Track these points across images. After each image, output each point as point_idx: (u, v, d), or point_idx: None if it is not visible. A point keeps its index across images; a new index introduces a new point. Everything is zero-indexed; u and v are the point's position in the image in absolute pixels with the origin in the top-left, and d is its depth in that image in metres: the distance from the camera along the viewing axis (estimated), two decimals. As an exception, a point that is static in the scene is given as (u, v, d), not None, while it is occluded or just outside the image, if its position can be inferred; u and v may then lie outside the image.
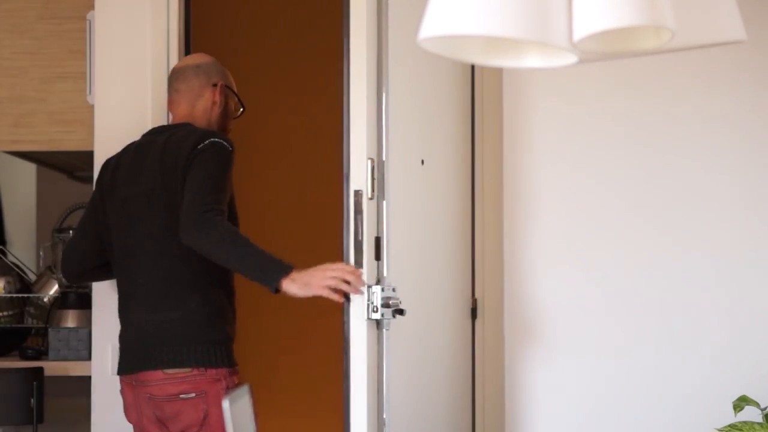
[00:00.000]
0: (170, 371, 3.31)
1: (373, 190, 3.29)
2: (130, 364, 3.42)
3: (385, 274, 3.31)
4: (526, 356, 3.93)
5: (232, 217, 3.43)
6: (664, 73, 3.96)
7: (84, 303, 4.29)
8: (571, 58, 1.81)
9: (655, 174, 3.95)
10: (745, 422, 3.52)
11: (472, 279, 4.03)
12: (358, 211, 3.25)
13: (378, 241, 3.30)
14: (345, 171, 3.30)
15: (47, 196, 5.78)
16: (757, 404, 3.57)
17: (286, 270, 3.12)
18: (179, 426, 3.34)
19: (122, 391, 3.48)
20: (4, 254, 4.58)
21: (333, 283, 3.12)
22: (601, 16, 1.70)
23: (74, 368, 4.13)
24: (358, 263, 3.25)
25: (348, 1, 3.35)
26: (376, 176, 3.30)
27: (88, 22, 4.15)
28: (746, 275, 3.93)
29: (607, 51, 1.86)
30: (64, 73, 4.27)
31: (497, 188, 3.98)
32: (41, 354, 4.27)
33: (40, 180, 5.82)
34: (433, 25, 1.71)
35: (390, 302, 3.27)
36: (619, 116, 3.97)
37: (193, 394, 3.29)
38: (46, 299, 4.51)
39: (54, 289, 4.50)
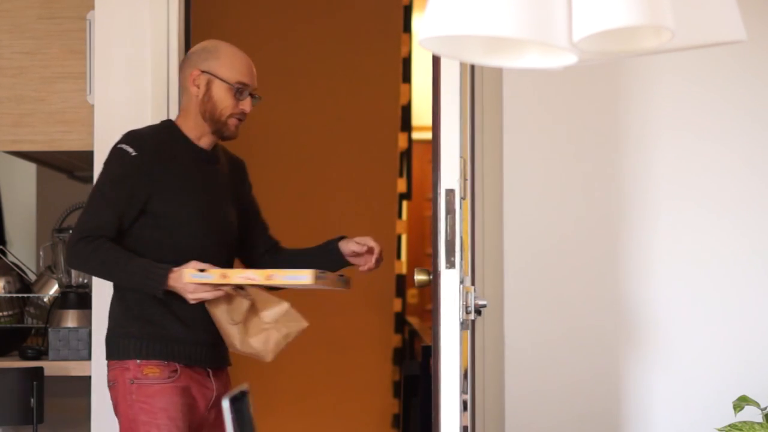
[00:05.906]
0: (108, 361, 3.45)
1: (464, 189, 3.25)
2: None
3: (467, 274, 3.29)
4: (526, 357, 3.93)
5: (262, 228, 3.58)
6: (667, 71, 3.96)
7: (84, 303, 4.28)
8: (571, 58, 1.81)
9: (655, 173, 3.95)
10: (745, 422, 3.52)
11: (472, 279, 4.03)
12: (450, 210, 3.21)
13: (462, 241, 3.28)
14: (435, 170, 3.26)
15: (47, 196, 5.77)
16: (757, 404, 3.56)
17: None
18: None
19: None
20: (4, 254, 4.58)
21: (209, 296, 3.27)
22: (601, 16, 1.70)
23: (74, 368, 4.13)
24: (451, 263, 3.20)
25: None
26: (467, 176, 3.27)
27: (88, 22, 4.15)
28: (745, 274, 3.93)
29: (607, 51, 1.86)
30: (64, 73, 4.26)
31: (497, 188, 3.98)
32: (41, 354, 4.26)
33: (40, 180, 5.81)
34: (434, 25, 1.72)
35: (476, 302, 3.27)
36: (619, 115, 3.97)
37: (111, 383, 3.39)
38: (46, 299, 4.51)
39: (54, 289, 4.50)
